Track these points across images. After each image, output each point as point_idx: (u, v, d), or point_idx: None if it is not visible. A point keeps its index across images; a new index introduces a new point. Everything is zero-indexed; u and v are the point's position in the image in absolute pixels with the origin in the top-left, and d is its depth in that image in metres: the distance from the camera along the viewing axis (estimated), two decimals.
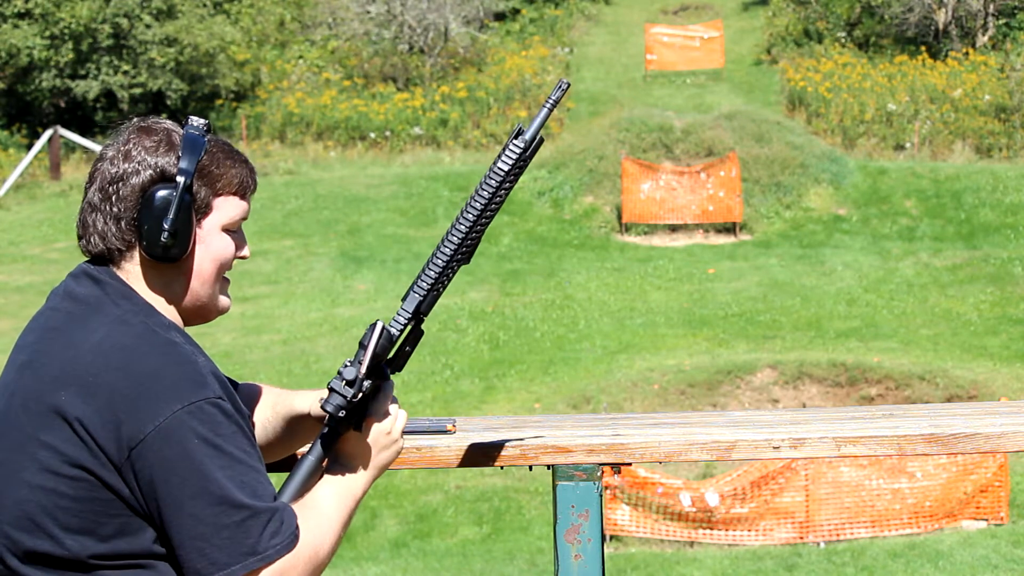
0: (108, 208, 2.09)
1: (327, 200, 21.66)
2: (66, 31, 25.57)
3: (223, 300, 2.20)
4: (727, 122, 22.53)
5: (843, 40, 29.42)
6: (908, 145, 24.23)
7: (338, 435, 2.15)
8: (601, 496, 2.46)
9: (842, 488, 10.95)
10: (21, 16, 25.92)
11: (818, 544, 10.69)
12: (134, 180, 2.08)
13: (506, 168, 2.14)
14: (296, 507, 2.07)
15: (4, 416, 2.06)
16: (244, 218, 2.18)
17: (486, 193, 2.14)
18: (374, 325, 2.11)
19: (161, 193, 2.07)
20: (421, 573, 10.23)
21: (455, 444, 2.50)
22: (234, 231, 2.17)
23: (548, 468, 2.48)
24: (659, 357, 14.68)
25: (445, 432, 2.48)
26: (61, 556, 2.00)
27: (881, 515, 10.91)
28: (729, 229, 20.38)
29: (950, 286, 17.47)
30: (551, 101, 2.13)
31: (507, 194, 2.15)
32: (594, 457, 2.46)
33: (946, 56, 27.59)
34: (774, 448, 2.50)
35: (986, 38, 28.29)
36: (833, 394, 13.89)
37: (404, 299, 2.16)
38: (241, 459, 2.00)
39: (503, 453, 2.48)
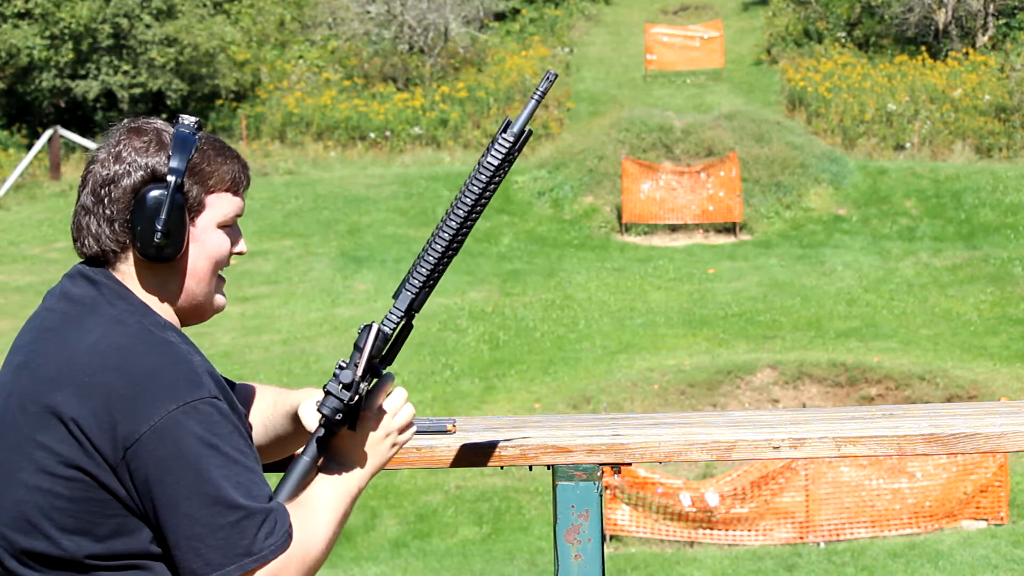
0: (101, 211, 2.09)
1: (327, 200, 21.66)
2: (66, 31, 25.56)
3: (219, 299, 2.19)
4: (727, 122, 22.52)
5: (843, 40, 29.41)
6: (908, 145, 24.22)
7: (333, 435, 2.14)
8: (601, 496, 2.46)
9: (842, 488, 10.94)
10: (21, 16, 25.91)
11: (818, 544, 10.68)
12: (125, 182, 2.08)
13: (496, 162, 2.13)
14: (290, 507, 2.06)
15: (1, 417, 2.06)
16: (238, 214, 2.17)
17: (476, 188, 2.14)
18: (368, 327, 2.11)
19: (153, 194, 2.07)
20: (421, 573, 10.23)
21: (455, 444, 2.50)
22: (229, 227, 2.16)
23: (548, 468, 2.48)
24: (659, 357, 14.68)
25: (445, 432, 2.48)
26: (57, 556, 2.00)
27: (881, 515, 10.91)
28: (729, 229, 20.38)
29: (950, 286, 17.46)
30: (539, 93, 2.11)
31: (496, 188, 2.14)
32: (594, 457, 2.45)
33: (946, 56, 27.58)
34: (774, 448, 2.49)
35: (986, 38, 28.28)
36: (833, 394, 13.89)
37: (396, 296, 2.15)
38: (237, 459, 1.99)
39: (503, 453, 2.48)
